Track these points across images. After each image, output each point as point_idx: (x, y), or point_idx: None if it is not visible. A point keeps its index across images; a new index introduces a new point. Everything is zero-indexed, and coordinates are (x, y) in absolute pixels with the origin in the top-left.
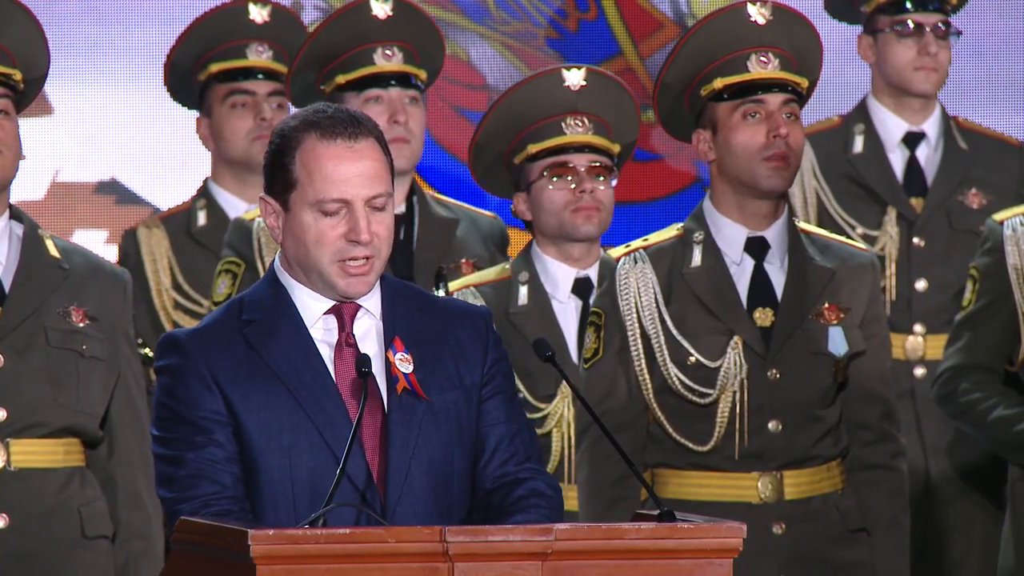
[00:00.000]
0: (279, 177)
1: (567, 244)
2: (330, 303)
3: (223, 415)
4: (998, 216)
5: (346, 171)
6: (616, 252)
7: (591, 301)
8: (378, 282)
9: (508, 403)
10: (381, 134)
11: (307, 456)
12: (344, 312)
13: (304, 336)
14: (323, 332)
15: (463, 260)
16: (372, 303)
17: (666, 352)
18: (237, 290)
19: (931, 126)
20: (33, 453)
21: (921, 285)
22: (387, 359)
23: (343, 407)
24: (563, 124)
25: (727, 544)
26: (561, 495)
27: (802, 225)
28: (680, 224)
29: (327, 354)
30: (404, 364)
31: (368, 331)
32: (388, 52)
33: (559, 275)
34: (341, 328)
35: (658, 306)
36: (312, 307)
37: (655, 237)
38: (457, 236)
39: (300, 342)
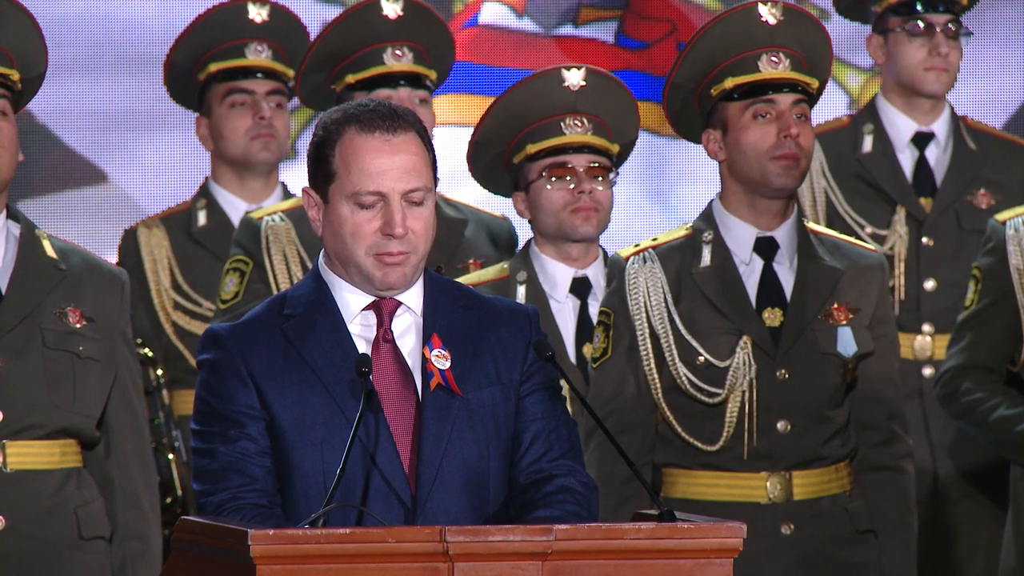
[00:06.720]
0: (320, 169)
1: (565, 244)
2: (370, 299)
3: (256, 409)
4: (1001, 216)
5: (383, 164)
6: (625, 252)
7: (588, 300)
8: (421, 279)
9: (548, 400)
10: (423, 128)
11: (339, 450)
12: (383, 308)
13: (342, 331)
14: (361, 328)
15: (470, 260)
16: (413, 300)
17: (675, 352)
18: (245, 288)
19: (940, 126)
20: (29, 455)
21: (930, 285)
22: (423, 355)
23: (377, 402)
24: (562, 124)
25: (727, 544)
26: (595, 492)
27: (811, 225)
28: (689, 224)
29: (364, 350)
30: (440, 360)
31: (408, 328)
32: (398, 52)
33: (557, 275)
34: (380, 324)
35: (667, 306)
36: (352, 303)
37: (664, 237)
38: (465, 236)
39: (337, 337)
